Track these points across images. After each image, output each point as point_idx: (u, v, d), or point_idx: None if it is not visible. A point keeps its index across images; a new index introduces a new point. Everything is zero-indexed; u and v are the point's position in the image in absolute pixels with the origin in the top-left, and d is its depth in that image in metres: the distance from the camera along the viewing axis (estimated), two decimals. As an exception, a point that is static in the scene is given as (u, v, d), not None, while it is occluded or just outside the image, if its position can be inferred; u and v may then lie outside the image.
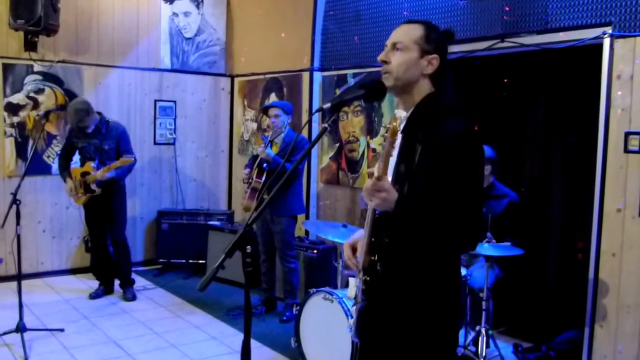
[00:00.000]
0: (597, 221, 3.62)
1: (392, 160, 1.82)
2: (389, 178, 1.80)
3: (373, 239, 1.85)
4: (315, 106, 5.61)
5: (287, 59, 5.94)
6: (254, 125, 6.57)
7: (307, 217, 5.56)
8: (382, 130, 1.72)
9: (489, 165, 3.96)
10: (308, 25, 5.66)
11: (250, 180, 4.62)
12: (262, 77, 6.35)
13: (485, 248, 3.52)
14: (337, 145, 5.46)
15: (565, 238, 4.56)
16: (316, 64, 5.64)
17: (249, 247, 1.74)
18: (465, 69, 4.50)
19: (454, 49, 4.34)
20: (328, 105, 1.85)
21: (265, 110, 4.75)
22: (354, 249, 2.02)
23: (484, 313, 3.64)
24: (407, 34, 1.89)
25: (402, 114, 1.93)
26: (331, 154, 5.53)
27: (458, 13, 4.37)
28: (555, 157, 4.62)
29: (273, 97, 6.20)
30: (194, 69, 6.63)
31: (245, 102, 6.69)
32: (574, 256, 4.28)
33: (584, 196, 3.89)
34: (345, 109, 5.32)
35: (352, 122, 5.30)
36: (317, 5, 5.58)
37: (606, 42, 3.50)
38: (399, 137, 1.86)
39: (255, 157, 4.80)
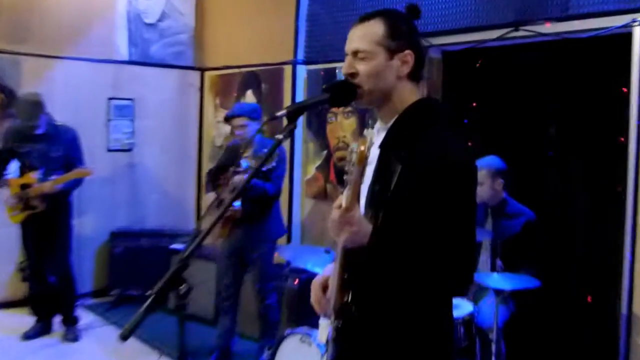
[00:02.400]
0: (630, 240, 3.60)
1: (364, 185, 1.81)
2: (361, 205, 1.77)
3: (345, 276, 1.83)
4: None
5: (267, 50, 5.94)
6: (228, 129, 6.55)
7: (288, 240, 5.53)
8: (348, 152, 1.67)
9: (501, 180, 3.95)
10: (291, 10, 5.66)
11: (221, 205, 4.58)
12: (237, 70, 6.36)
13: (495, 279, 3.49)
14: (325, 152, 5.45)
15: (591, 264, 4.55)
16: (300, 55, 5.65)
17: (184, 285, 1.71)
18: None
19: (461, 38, 4.36)
20: (283, 112, 1.82)
21: (227, 119, 4.57)
22: (324, 288, 1.99)
23: (493, 357, 3.61)
24: (365, 36, 1.84)
25: (371, 133, 1.90)
26: (318, 163, 5.52)
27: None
28: (577, 169, 4.63)
29: (250, 95, 6.21)
30: (157, 60, 6.64)
31: (218, 101, 6.69)
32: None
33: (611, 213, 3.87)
34: (334, 109, 5.31)
35: (342, 125, 5.29)
36: (302, -13, 5.60)
37: (636, 30, 3.52)
38: (377, 152, 1.84)
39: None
